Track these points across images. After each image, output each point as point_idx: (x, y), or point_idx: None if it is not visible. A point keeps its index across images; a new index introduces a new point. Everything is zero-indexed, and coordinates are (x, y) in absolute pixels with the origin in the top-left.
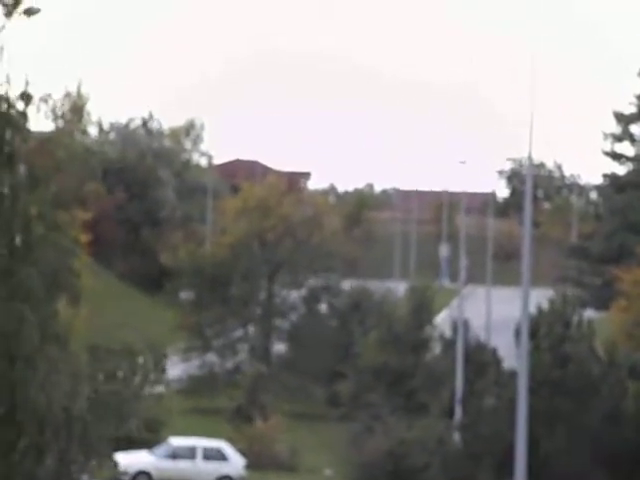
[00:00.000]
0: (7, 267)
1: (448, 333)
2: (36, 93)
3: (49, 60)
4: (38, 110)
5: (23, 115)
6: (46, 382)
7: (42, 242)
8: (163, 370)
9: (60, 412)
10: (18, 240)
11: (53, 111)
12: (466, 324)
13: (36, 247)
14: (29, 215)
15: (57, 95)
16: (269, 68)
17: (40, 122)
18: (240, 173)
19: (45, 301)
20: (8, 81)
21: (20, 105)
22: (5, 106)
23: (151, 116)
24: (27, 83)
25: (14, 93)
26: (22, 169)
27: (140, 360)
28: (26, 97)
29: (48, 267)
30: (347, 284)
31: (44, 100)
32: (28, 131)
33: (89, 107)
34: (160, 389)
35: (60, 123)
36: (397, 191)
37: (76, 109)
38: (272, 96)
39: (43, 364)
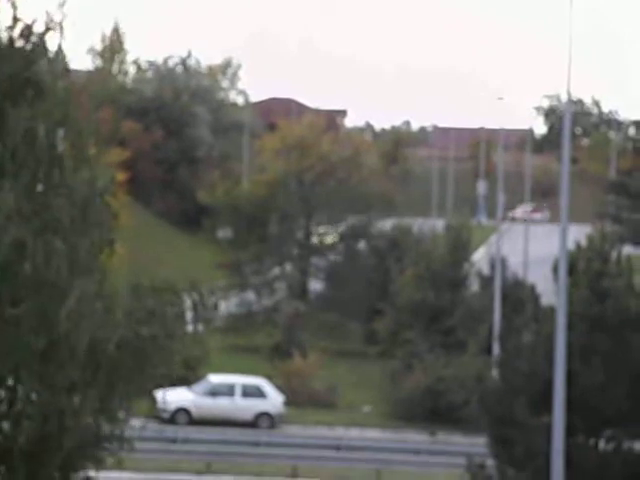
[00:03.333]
0: (43, 202)
1: (486, 270)
2: (74, 31)
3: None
4: (77, 49)
5: (59, 51)
6: (76, 314)
7: (74, 176)
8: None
9: (94, 346)
10: (51, 174)
11: (92, 49)
12: (504, 261)
13: (68, 181)
14: (60, 150)
15: (96, 34)
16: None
17: (79, 61)
18: (276, 111)
19: (75, 233)
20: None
21: (54, 40)
22: (37, 41)
23: (189, 54)
24: (62, 18)
25: (48, 28)
26: (53, 103)
27: (185, 298)
28: (61, 31)
29: (79, 199)
30: (385, 222)
31: (84, 39)
32: (64, 67)
33: (127, 46)
34: (199, 327)
35: (98, 62)
36: (434, 128)
37: (114, 48)
38: (307, 33)
39: (72, 296)
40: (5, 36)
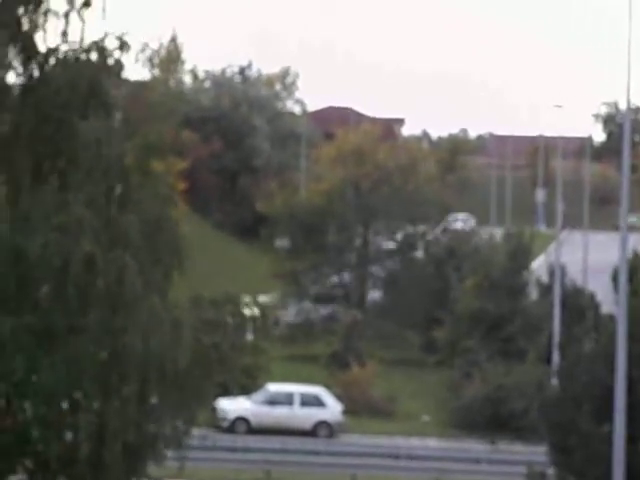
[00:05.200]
0: (106, 216)
1: (545, 278)
2: (133, 42)
3: (145, 8)
4: (136, 60)
5: (119, 63)
6: (146, 330)
7: (139, 190)
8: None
9: (160, 360)
10: (118, 188)
11: (149, 60)
12: (563, 269)
13: (134, 195)
14: (126, 163)
15: (153, 44)
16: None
17: (136, 71)
18: (333, 120)
19: (146, 249)
20: (105, 31)
21: (116, 53)
22: (101, 54)
23: (250, 64)
24: (123, 32)
25: (111, 42)
26: (118, 116)
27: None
28: (123, 45)
29: (147, 215)
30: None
31: (142, 50)
32: (124, 79)
33: (184, 55)
34: (258, 337)
35: (156, 72)
36: (492, 136)
37: (171, 58)
38: (364, 41)
39: (144, 312)
40: (71, 50)
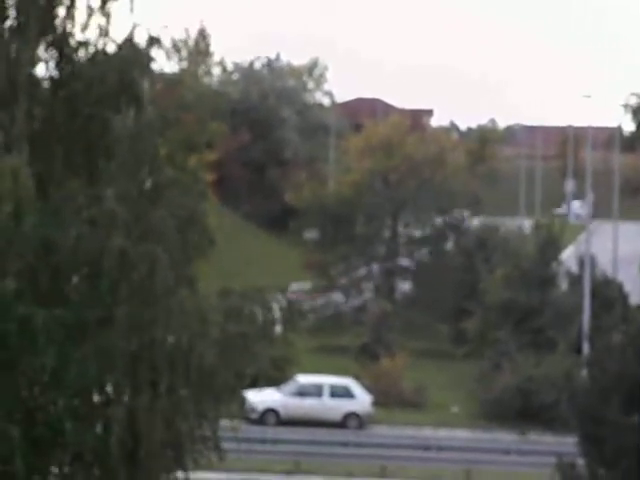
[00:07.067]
0: (137, 210)
1: (575, 269)
2: (161, 35)
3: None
4: (168, 57)
5: (149, 57)
6: (175, 324)
7: (172, 185)
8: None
9: (188, 352)
10: (148, 182)
11: (178, 52)
12: (593, 260)
13: (166, 190)
14: (158, 157)
15: (181, 36)
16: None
17: (165, 64)
18: (362, 112)
19: (177, 243)
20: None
21: (146, 47)
22: (131, 48)
23: (278, 56)
24: (150, 26)
25: (140, 35)
26: (151, 111)
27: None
28: (152, 39)
29: (179, 210)
30: (472, 222)
31: (172, 44)
32: (155, 73)
33: (212, 48)
34: (287, 328)
35: (184, 64)
36: (521, 127)
37: (199, 50)
38: (392, 34)
39: (175, 306)
40: (102, 44)
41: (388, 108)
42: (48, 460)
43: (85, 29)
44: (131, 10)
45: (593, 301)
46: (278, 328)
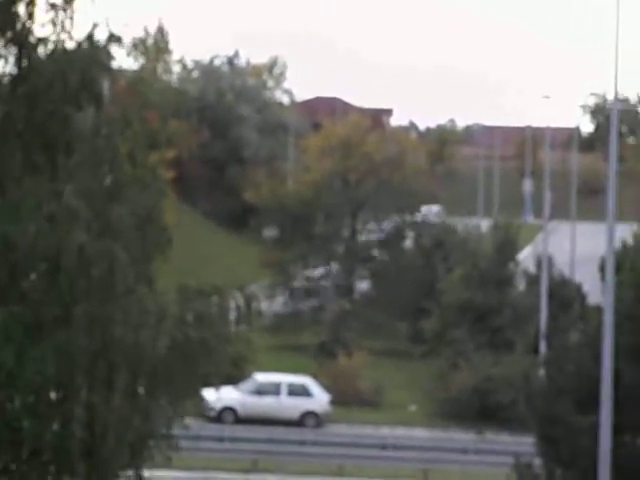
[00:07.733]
0: (97, 206)
1: (532, 269)
2: (121, 33)
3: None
4: (128, 54)
5: (109, 54)
6: (135, 322)
7: (132, 182)
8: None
9: (147, 351)
10: (108, 180)
11: (136, 49)
12: (550, 260)
13: (125, 187)
14: (119, 154)
15: (140, 34)
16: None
17: (124, 61)
18: (321, 110)
19: (137, 242)
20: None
21: (106, 44)
22: (91, 45)
23: (237, 53)
24: (107, 22)
25: (100, 32)
26: (111, 108)
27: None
28: (112, 36)
29: (138, 208)
30: (434, 216)
31: (131, 41)
32: (115, 70)
33: (171, 46)
34: (244, 326)
35: (143, 62)
36: (480, 127)
37: (159, 48)
38: (351, 31)
39: (134, 304)
40: (61, 41)
41: (347, 107)
42: (5, 457)
43: (45, 26)
44: (92, 4)
45: (550, 301)
46: (235, 326)
